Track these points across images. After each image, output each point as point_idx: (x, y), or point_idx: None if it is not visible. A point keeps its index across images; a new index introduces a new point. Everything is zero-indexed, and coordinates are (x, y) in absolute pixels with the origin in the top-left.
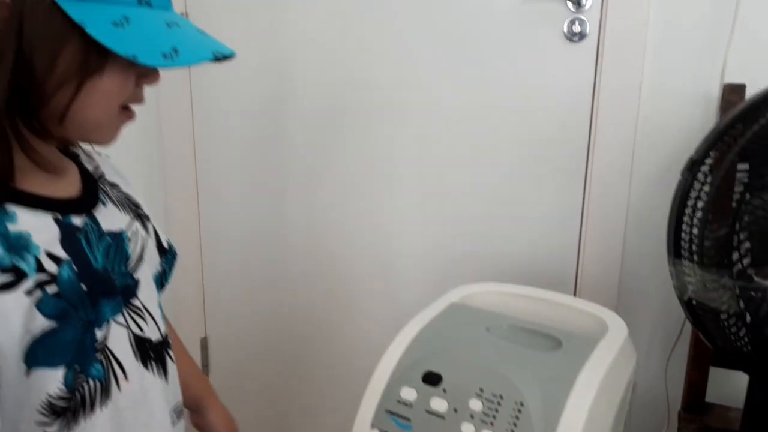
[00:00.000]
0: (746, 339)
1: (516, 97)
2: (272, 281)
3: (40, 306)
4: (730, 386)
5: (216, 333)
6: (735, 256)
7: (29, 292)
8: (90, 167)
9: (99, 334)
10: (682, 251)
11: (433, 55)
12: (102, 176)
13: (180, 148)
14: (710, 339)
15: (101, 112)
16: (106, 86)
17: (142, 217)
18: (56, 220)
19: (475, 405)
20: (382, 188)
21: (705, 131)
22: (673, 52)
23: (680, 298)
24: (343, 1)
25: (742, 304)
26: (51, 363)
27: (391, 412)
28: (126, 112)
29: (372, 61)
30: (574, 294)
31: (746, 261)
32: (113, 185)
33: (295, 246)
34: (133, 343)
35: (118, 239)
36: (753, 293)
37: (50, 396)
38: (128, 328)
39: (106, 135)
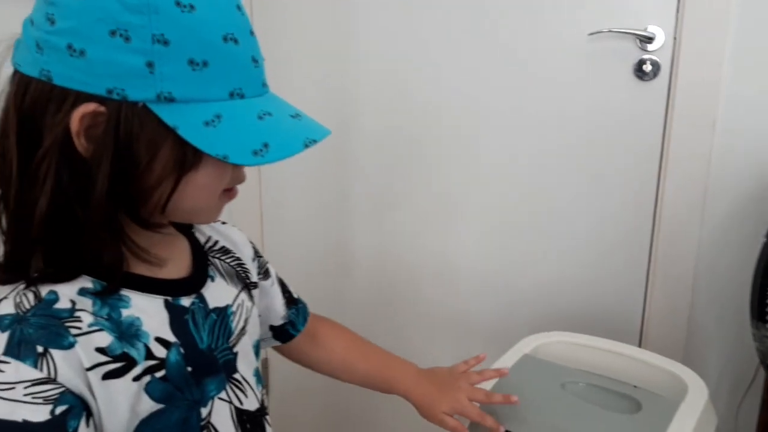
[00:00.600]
0: None
1: (584, 135)
2: (334, 305)
3: (148, 389)
4: None
5: (277, 355)
6: None
7: (137, 378)
8: (202, 238)
9: (204, 411)
10: (767, 316)
11: (501, 89)
12: (213, 246)
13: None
14: None
15: (202, 201)
16: (203, 179)
17: (249, 287)
18: (166, 303)
19: None
20: (448, 217)
21: None
22: (749, 92)
23: (762, 361)
24: (412, 30)
25: None
26: None
27: None
28: (228, 193)
29: (439, 91)
30: (639, 340)
31: None
32: (225, 252)
33: (359, 270)
34: (234, 417)
35: (223, 315)
36: None
37: None
38: (230, 402)
39: (208, 217)
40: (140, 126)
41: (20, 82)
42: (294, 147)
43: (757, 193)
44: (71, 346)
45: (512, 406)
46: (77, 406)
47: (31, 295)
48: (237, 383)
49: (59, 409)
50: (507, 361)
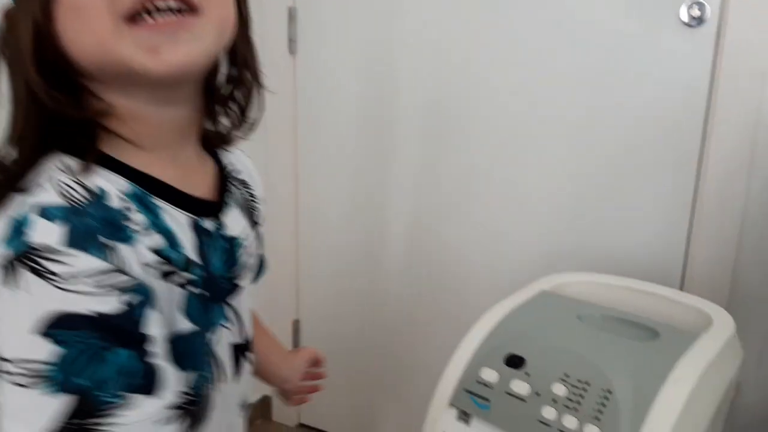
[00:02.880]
0: None
1: (627, 85)
2: (367, 270)
3: (183, 305)
4: None
5: (308, 317)
6: None
7: (182, 286)
8: (225, 161)
9: (212, 338)
10: None
11: (542, 45)
12: (232, 173)
13: (282, 155)
14: None
15: (91, 33)
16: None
17: (256, 224)
18: (194, 223)
19: (559, 390)
20: (488, 181)
21: None
22: None
23: None
24: (456, 7)
25: None
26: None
27: (470, 392)
28: (135, 26)
29: (479, 56)
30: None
31: None
32: (242, 183)
33: (394, 238)
34: (229, 346)
35: (233, 245)
36: None
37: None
38: (230, 331)
39: (130, 59)
40: None
41: None
42: None
43: None
44: (133, 241)
45: (530, 335)
46: (147, 297)
47: (79, 187)
48: (236, 314)
49: (131, 298)
50: (522, 295)
